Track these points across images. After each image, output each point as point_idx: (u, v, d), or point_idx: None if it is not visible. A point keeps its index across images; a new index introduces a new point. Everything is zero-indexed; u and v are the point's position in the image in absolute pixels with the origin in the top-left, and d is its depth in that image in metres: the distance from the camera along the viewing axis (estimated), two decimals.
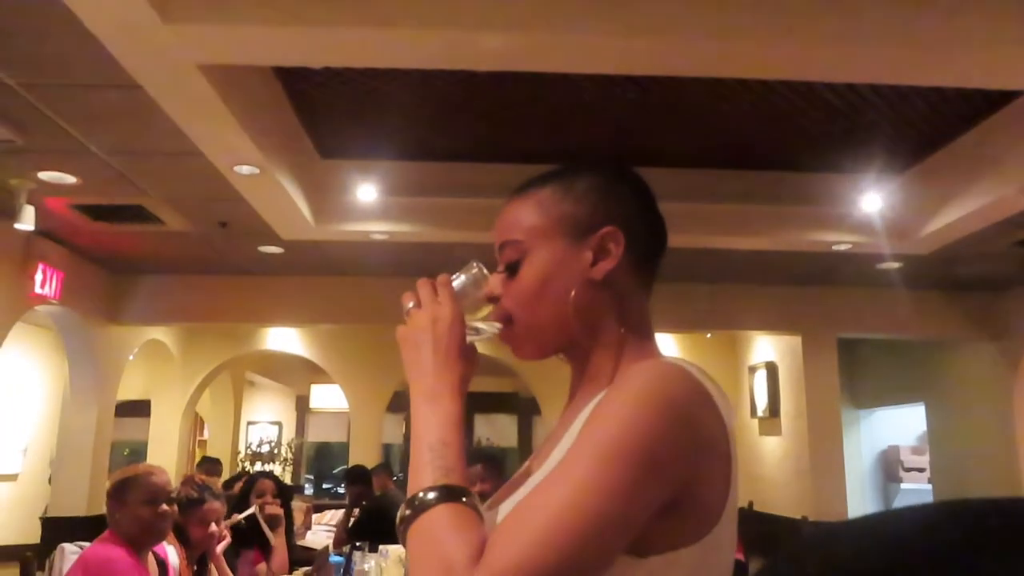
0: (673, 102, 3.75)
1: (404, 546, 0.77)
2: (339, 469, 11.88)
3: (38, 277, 5.11)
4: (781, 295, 6.63)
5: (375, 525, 5.50)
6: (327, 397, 11.91)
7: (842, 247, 4.98)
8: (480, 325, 0.93)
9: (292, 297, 6.69)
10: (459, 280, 0.94)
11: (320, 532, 6.98)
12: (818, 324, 6.71)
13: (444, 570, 0.70)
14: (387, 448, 11.77)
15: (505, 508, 0.87)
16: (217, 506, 3.04)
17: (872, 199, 4.46)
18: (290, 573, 3.41)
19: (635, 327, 0.92)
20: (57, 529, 5.11)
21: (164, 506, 2.50)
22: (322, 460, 13.61)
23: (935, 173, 4.35)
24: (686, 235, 4.77)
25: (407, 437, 13.14)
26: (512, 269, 0.92)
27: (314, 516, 7.46)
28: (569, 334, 0.91)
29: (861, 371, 8.65)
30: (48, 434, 7.40)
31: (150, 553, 2.58)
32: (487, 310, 0.94)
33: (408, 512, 0.77)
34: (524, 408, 11.48)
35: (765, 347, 7.46)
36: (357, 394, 8.68)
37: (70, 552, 2.81)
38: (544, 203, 0.93)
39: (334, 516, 7.65)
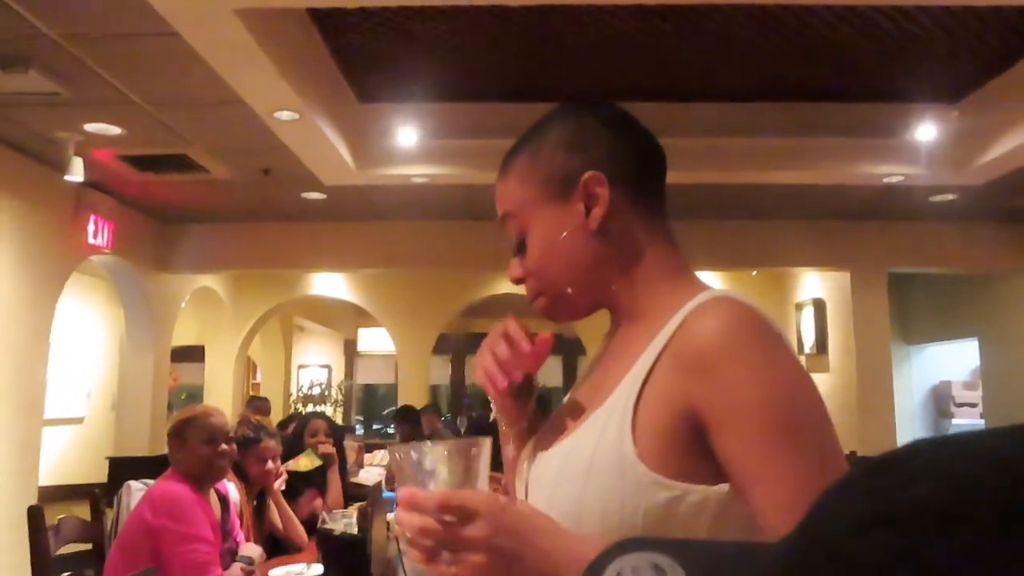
0: (716, 34, 3.63)
1: None
2: (388, 410, 12.18)
3: (90, 228, 5.25)
4: (830, 230, 6.48)
5: None
6: (374, 340, 12.13)
7: (894, 179, 4.83)
8: (479, 471, 0.71)
9: (336, 243, 6.77)
10: (421, 476, 0.70)
11: (372, 470, 7.20)
12: (868, 259, 6.56)
13: None
14: (434, 389, 11.99)
15: (563, 447, 0.85)
16: (272, 444, 3.15)
17: (926, 129, 4.29)
18: (345, 508, 3.52)
19: (658, 257, 0.90)
20: (122, 468, 5.35)
21: (223, 446, 2.60)
22: (371, 401, 13.94)
23: (992, 100, 4.16)
24: (732, 171, 4.67)
25: (453, 379, 13.36)
26: (520, 247, 0.92)
27: (365, 456, 7.69)
28: (594, 289, 0.90)
29: (912, 306, 8.47)
30: (109, 379, 7.69)
31: (212, 490, 2.69)
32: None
33: None
34: (569, 349, 11.52)
35: (812, 283, 7.34)
36: (403, 337, 8.81)
37: (136, 489, 2.94)
38: (522, 174, 0.92)
39: (385, 456, 7.88)
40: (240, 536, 2.81)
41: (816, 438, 0.74)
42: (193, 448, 2.54)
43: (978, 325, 7.67)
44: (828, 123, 4.42)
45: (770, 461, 0.73)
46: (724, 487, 0.76)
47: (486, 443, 0.73)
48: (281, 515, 3.17)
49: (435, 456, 0.70)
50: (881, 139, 4.51)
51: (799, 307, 7.52)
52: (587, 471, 0.78)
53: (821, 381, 7.11)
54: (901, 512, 0.27)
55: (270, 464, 3.10)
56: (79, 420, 7.50)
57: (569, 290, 0.91)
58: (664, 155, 0.93)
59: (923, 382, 8.87)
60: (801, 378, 0.77)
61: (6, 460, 4.43)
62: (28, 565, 2.42)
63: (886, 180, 4.85)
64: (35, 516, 2.32)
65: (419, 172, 4.88)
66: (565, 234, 0.89)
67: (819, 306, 7.13)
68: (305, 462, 3.66)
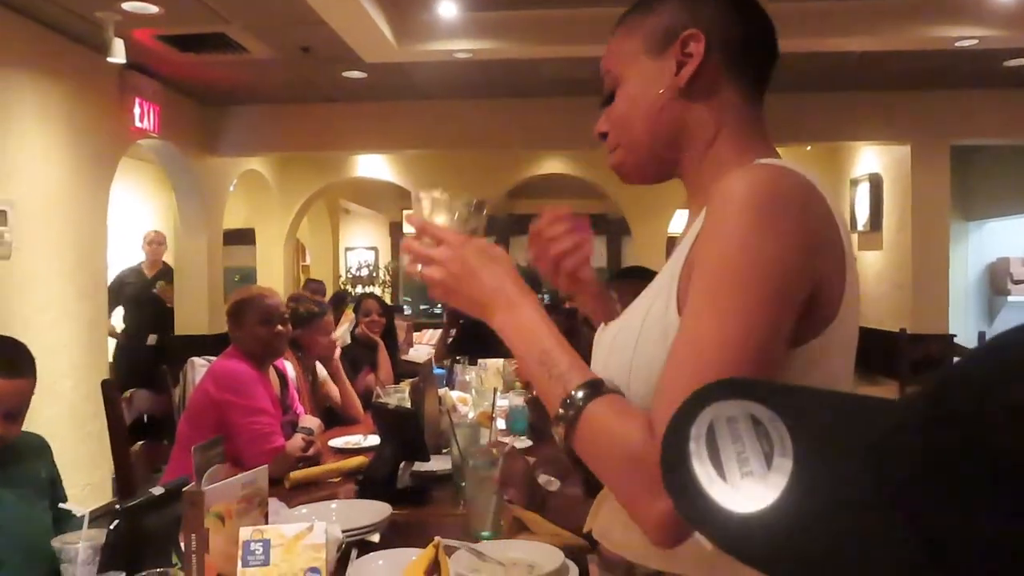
0: None
1: (574, 456, 0.79)
2: None
3: (136, 111, 5.25)
4: (891, 101, 6.15)
5: (472, 341, 5.77)
6: None
7: (966, 43, 4.51)
8: (467, 226, 0.94)
9: (378, 124, 6.68)
10: (425, 211, 0.94)
11: (421, 348, 7.40)
12: (930, 131, 6.24)
13: (629, 459, 0.73)
14: None
15: (621, 319, 0.91)
16: (331, 319, 3.27)
17: None
18: (396, 384, 3.64)
19: (736, 135, 0.88)
20: (184, 346, 5.59)
21: (279, 326, 2.68)
22: (416, 283, 14.15)
23: None
24: (786, 39, 4.40)
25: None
26: (609, 100, 0.93)
27: (414, 335, 7.90)
28: (666, 152, 0.90)
29: (973, 181, 8.12)
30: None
31: (271, 366, 2.79)
32: (459, 221, 0.94)
33: (563, 427, 0.78)
34: (613, 229, 11.43)
35: (869, 158, 7.06)
36: None
37: (199, 364, 3.07)
38: (630, 27, 0.92)
39: (433, 335, 8.08)
40: (300, 409, 2.94)
41: (739, 314, 0.72)
42: (250, 328, 2.62)
43: None
44: None
45: (690, 314, 0.76)
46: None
47: (481, 205, 0.95)
48: (340, 388, 3.31)
49: (439, 203, 0.93)
50: None
51: (854, 183, 7.28)
52: (636, 341, 0.82)
53: (874, 259, 6.98)
54: None
55: (333, 336, 3.23)
56: None
57: (642, 148, 0.91)
58: (776, 44, 0.91)
59: (980, 259, 8.63)
60: (768, 254, 0.73)
61: (77, 339, 4.65)
62: (106, 434, 2.57)
63: (958, 44, 4.53)
64: (109, 389, 2.44)
65: (461, 47, 4.72)
66: (652, 88, 0.88)
67: (875, 181, 6.88)
68: None
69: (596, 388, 0.77)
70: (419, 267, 0.91)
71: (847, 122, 6.35)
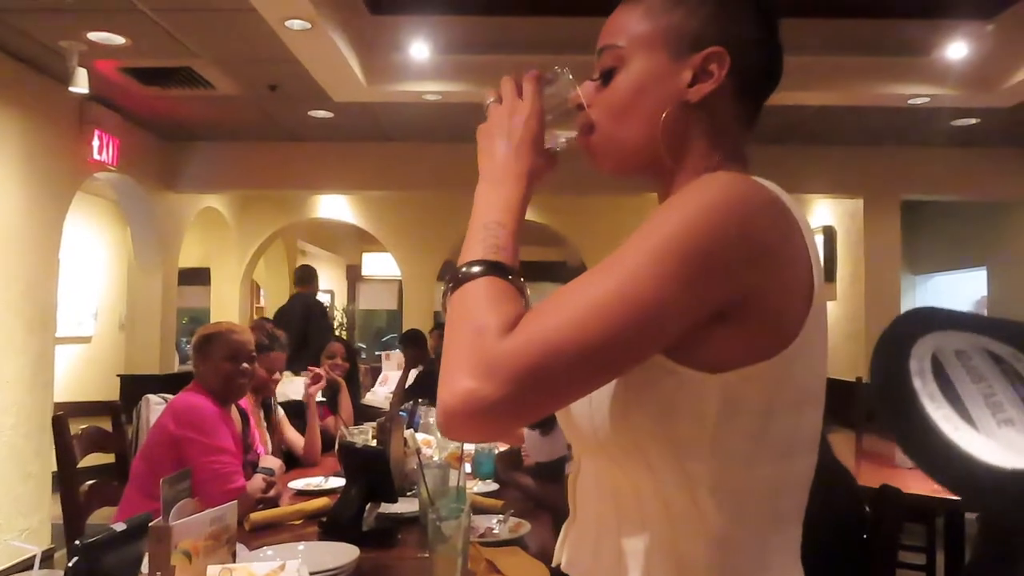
0: None
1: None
2: (389, 337, 12.24)
3: (95, 143, 5.14)
4: (845, 156, 6.37)
5: (432, 385, 5.70)
6: (378, 265, 12.11)
7: (919, 101, 4.71)
8: (559, 132, 0.90)
9: (342, 164, 6.66)
10: (547, 84, 0.90)
11: (379, 391, 7.27)
12: (882, 186, 6.47)
13: (475, 333, 0.71)
14: (438, 316, 12.02)
15: None
16: (283, 357, 3.16)
17: (957, 47, 4.15)
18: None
19: (727, 160, 0.86)
20: (134, 385, 5.39)
21: (244, 364, 2.59)
22: (371, 327, 14.02)
23: None
24: None
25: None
26: (606, 77, 0.87)
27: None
28: (651, 155, 0.86)
29: (921, 235, 8.41)
30: (116, 300, 7.69)
31: (233, 405, 2.69)
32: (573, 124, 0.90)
33: (451, 284, 0.77)
34: (572, 277, 11.60)
35: (823, 211, 7.26)
36: (408, 262, 8.77)
37: (154, 402, 2.96)
38: (654, 10, 0.86)
39: (390, 378, 7.95)
40: (261, 449, 2.84)
41: (632, 284, 0.70)
42: (215, 363, 2.53)
43: (988, 255, 7.63)
44: (854, 40, 4.28)
45: (595, 267, 0.74)
46: (728, 376, 0.74)
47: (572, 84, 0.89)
48: (308, 428, 3.24)
49: (560, 78, 0.90)
50: (909, 57, 4.37)
51: None
52: None
53: (828, 310, 7.11)
54: None
55: (276, 375, 3.13)
56: (87, 339, 7.52)
57: (630, 143, 0.87)
58: (780, 76, 0.89)
59: None
60: (695, 244, 0.71)
61: (21, 375, 4.44)
62: (48, 474, 2.45)
63: (911, 102, 4.72)
64: (60, 424, 2.32)
65: (431, 89, 4.75)
66: (661, 87, 0.84)
67: (829, 234, 7.07)
68: None
69: (499, 270, 0.76)
70: (492, 99, 0.90)
71: (801, 175, 6.53)
